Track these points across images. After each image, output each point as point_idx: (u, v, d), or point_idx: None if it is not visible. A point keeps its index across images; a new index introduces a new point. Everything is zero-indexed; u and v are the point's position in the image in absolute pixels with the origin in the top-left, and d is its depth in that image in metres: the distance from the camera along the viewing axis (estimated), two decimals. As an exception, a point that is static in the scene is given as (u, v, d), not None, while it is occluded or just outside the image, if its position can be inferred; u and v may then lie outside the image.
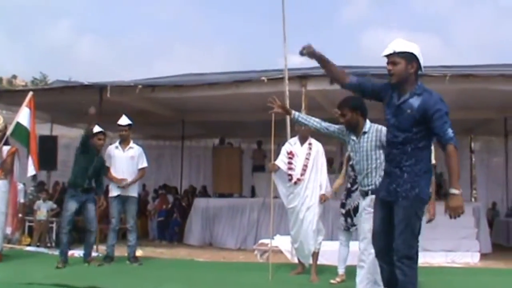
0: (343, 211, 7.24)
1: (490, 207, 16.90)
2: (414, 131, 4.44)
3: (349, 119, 5.69)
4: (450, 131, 4.29)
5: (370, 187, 5.57)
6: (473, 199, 16.99)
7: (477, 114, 13.89)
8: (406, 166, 4.47)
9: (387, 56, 4.55)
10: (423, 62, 4.54)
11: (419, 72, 4.57)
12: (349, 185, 7.17)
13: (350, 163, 6.80)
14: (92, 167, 8.90)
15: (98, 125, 9.22)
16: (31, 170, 9.54)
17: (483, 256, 11.20)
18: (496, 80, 10.41)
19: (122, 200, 9.19)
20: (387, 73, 4.61)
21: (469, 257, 10.95)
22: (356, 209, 5.90)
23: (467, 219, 11.52)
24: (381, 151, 5.51)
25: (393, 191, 4.54)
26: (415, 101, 4.44)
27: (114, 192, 9.20)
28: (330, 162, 11.37)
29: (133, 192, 9.31)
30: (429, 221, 6.25)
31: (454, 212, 4.23)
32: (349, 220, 7.04)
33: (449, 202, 4.24)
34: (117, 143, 9.44)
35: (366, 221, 5.67)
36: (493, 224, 15.27)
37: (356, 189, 6.56)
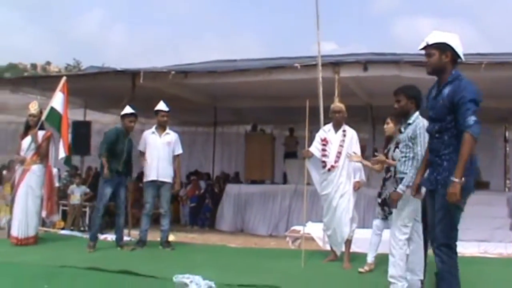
0: (379, 200, 7.19)
1: (525, 197, 16.61)
2: (448, 120, 4.48)
3: (403, 106, 5.80)
4: (471, 119, 4.26)
5: (403, 175, 5.67)
6: (507, 189, 16.80)
7: (512, 102, 13.67)
8: (445, 154, 4.51)
9: (424, 49, 4.68)
10: (461, 51, 4.60)
11: (458, 61, 4.63)
12: (383, 174, 7.12)
13: (385, 151, 6.75)
14: (125, 151, 8.99)
15: (131, 106, 9.27)
16: (61, 153, 9.61)
17: (517, 246, 11.06)
18: (531, 68, 10.24)
19: (157, 185, 9.20)
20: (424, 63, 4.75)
21: (503, 248, 10.78)
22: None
23: (501, 209, 11.43)
24: (414, 143, 5.59)
25: (433, 180, 4.60)
26: (446, 90, 4.51)
27: (149, 177, 9.22)
28: (363, 149, 11.30)
29: (168, 177, 9.31)
30: None
31: (449, 198, 4.28)
32: (386, 208, 6.97)
33: (448, 188, 4.29)
34: (153, 129, 9.42)
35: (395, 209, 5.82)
36: (527, 215, 15.04)
37: (390, 177, 6.57)
